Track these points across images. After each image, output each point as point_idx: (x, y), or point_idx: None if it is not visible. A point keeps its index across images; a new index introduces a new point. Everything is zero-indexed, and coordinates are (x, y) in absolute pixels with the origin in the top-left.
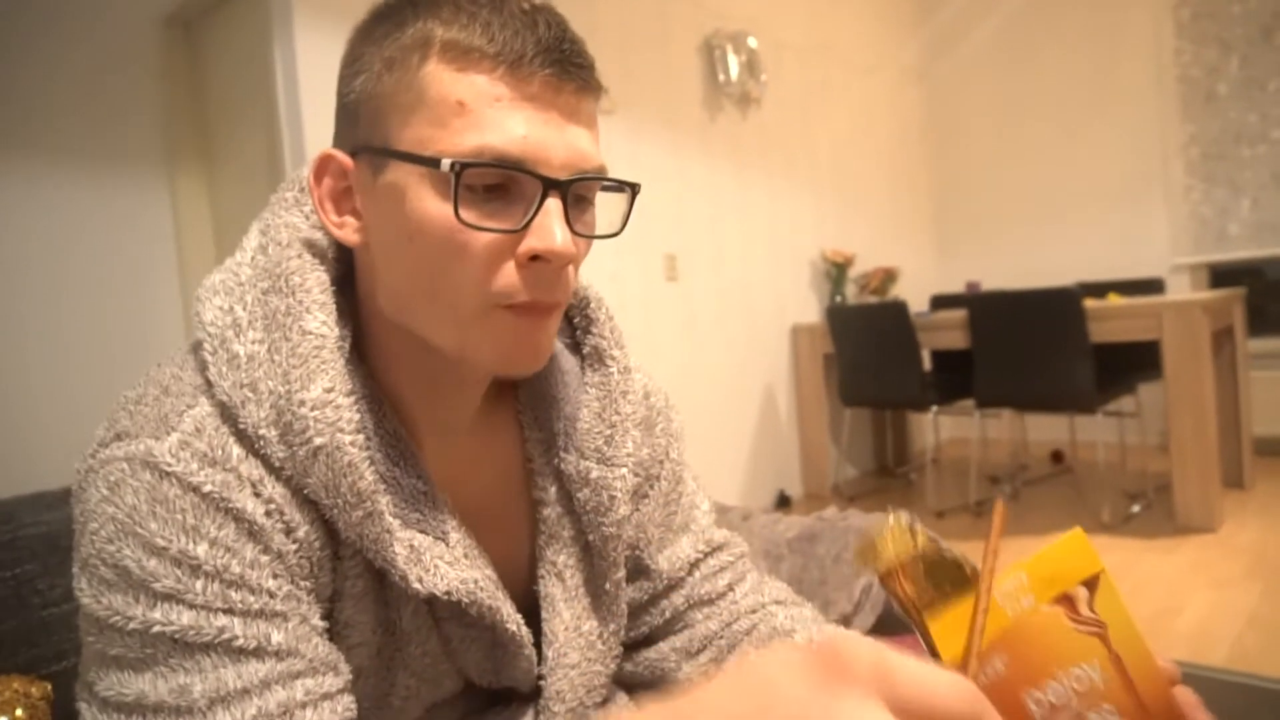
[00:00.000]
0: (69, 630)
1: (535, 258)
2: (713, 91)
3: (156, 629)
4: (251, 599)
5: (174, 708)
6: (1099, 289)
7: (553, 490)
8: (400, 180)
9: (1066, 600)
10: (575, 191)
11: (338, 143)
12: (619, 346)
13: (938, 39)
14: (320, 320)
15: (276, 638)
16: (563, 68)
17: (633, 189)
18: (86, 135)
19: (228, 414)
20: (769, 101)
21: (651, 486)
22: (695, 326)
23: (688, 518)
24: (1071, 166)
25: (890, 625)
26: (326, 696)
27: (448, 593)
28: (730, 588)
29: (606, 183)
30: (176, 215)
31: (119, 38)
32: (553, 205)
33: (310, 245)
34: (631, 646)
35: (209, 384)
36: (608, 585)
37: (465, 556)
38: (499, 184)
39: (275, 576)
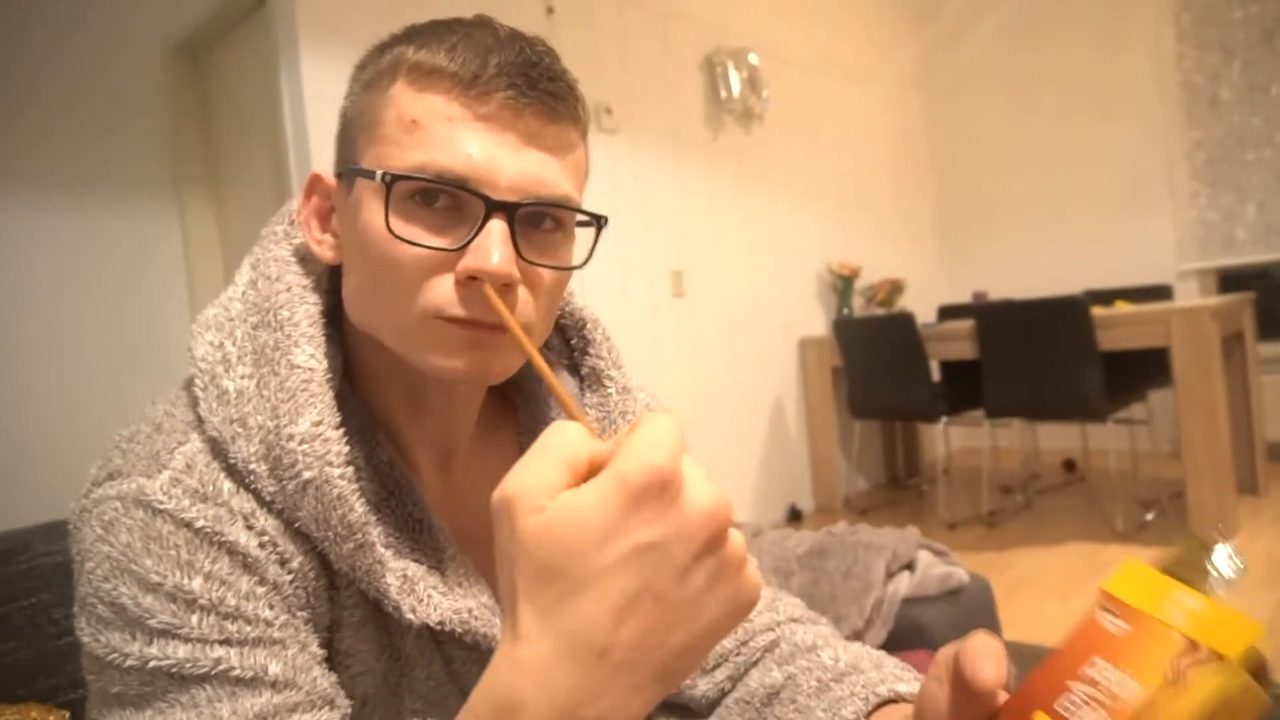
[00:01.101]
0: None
1: (473, 278)
2: (715, 108)
3: (153, 664)
4: (248, 629)
5: None
6: (1106, 296)
7: None
8: (358, 195)
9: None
10: (538, 218)
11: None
12: (617, 367)
13: (937, 48)
14: (308, 353)
15: (274, 668)
16: (524, 90)
17: (599, 222)
18: (95, 163)
19: (218, 449)
20: (771, 117)
21: None
22: (703, 342)
23: None
24: (1075, 174)
25: (903, 640)
26: None
27: (440, 623)
28: None
29: (577, 213)
30: (186, 242)
31: (127, 67)
32: (495, 227)
33: (300, 277)
34: None
35: (200, 420)
36: None
37: (460, 585)
38: (449, 203)
39: (271, 607)
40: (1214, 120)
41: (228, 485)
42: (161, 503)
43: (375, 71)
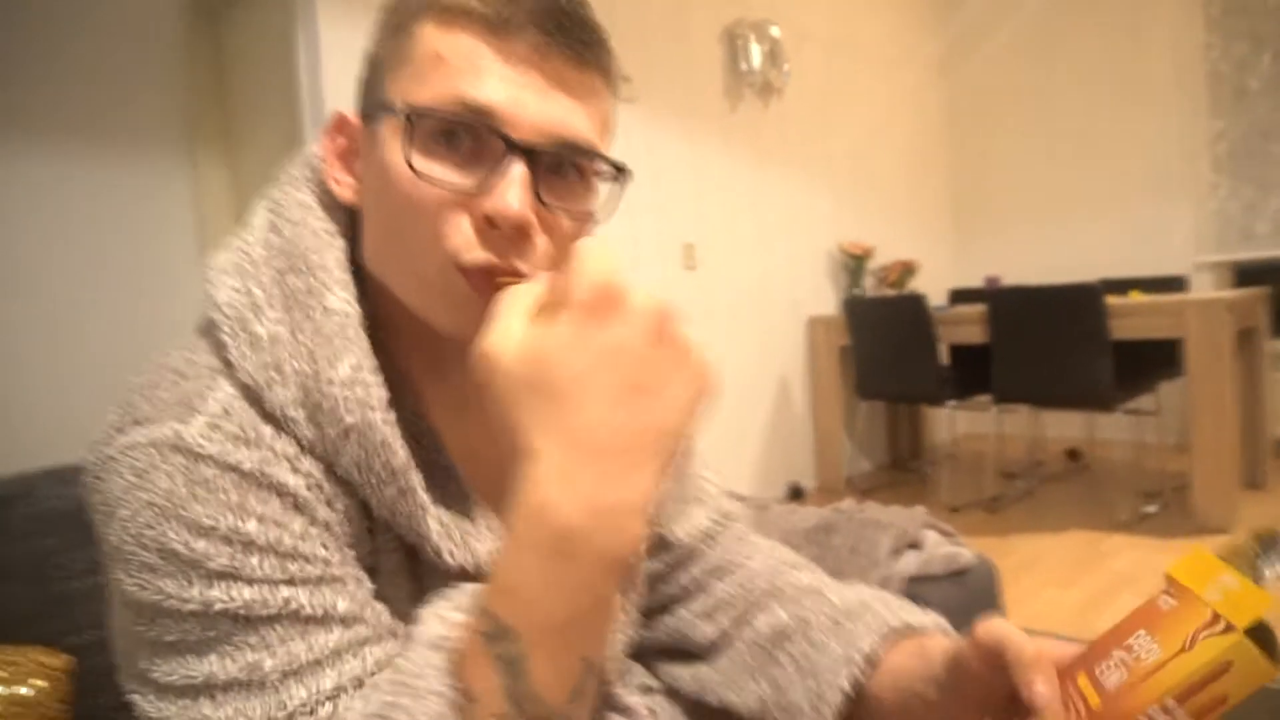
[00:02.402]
0: (89, 603)
1: (487, 219)
2: (734, 80)
3: (219, 607)
4: (310, 568)
5: (246, 684)
6: (1121, 286)
7: None
8: (380, 133)
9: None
10: (560, 164)
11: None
12: None
13: (962, 33)
14: (342, 298)
15: (342, 605)
16: (554, 34)
17: (622, 172)
18: (110, 118)
19: (252, 395)
20: (791, 92)
21: None
22: (712, 316)
23: (698, 490)
24: (1095, 161)
25: None
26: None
27: (478, 567)
28: (747, 556)
29: (599, 160)
30: (198, 197)
31: (143, 21)
32: (516, 170)
33: (324, 222)
34: (649, 613)
35: (228, 365)
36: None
37: (489, 530)
38: (471, 143)
39: (325, 546)
40: (1239, 111)
41: (268, 430)
42: (203, 446)
43: (403, 13)
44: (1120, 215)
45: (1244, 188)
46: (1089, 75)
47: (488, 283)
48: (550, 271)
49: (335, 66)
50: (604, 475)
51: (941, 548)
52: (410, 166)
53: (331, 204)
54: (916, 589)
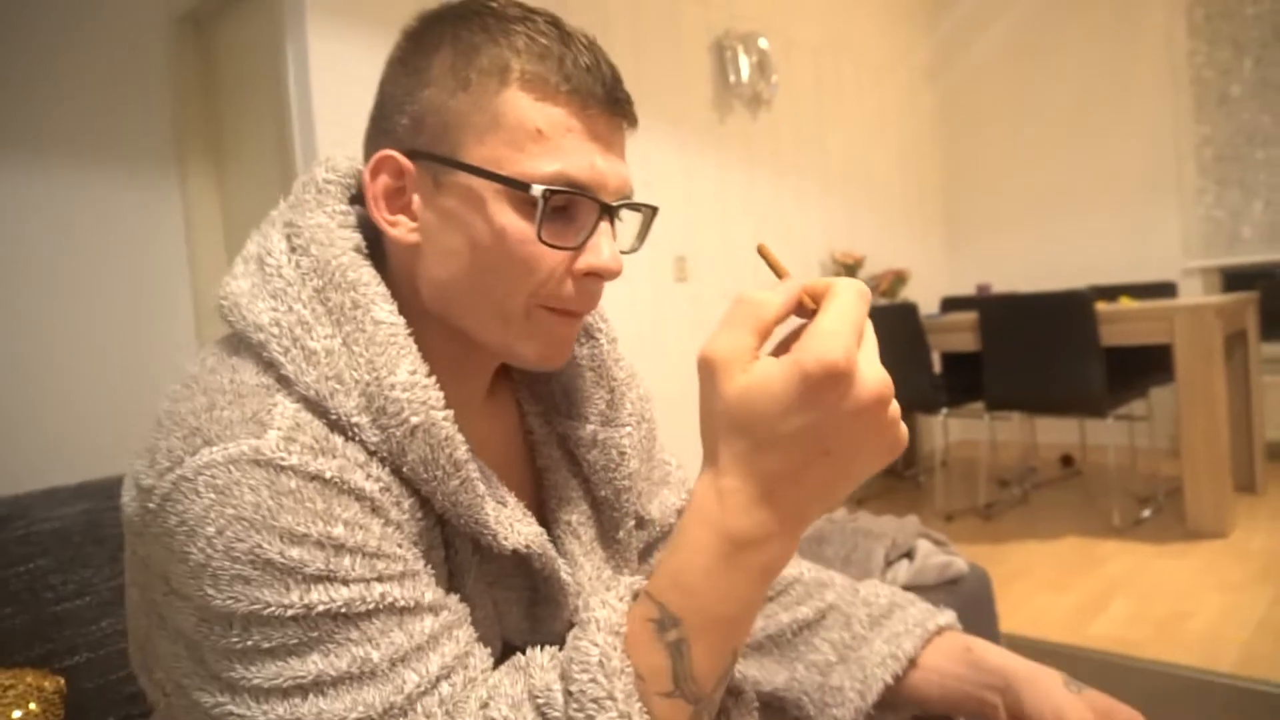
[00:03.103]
0: (81, 625)
1: (589, 273)
2: (723, 92)
3: (320, 609)
4: (394, 565)
5: (358, 676)
6: (1110, 292)
7: (556, 455)
8: (475, 192)
9: None
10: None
11: (384, 142)
12: (604, 320)
13: (950, 39)
14: (387, 309)
15: (428, 595)
16: (618, 108)
17: (655, 211)
18: (97, 132)
19: (315, 407)
20: (780, 102)
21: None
22: (705, 327)
23: (665, 472)
24: (1083, 168)
25: None
26: (476, 643)
27: (528, 546)
28: None
29: (639, 206)
30: (187, 212)
31: (130, 35)
32: (605, 227)
33: (349, 242)
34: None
35: (283, 381)
36: (620, 534)
37: (524, 515)
38: (564, 206)
39: (400, 545)
40: (1223, 117)
41: (339, 439)
42: (284, 459)
43: (475, 71)
44: (1109, 221)
45: (1229, 193)
46: (1077, 82)
47: (570, 315)
48: (792, 284)
49: (324, 81)
50: (776, 509)
51: (934, 557)
52: (540, 239)
53: (348, 224)
54: None
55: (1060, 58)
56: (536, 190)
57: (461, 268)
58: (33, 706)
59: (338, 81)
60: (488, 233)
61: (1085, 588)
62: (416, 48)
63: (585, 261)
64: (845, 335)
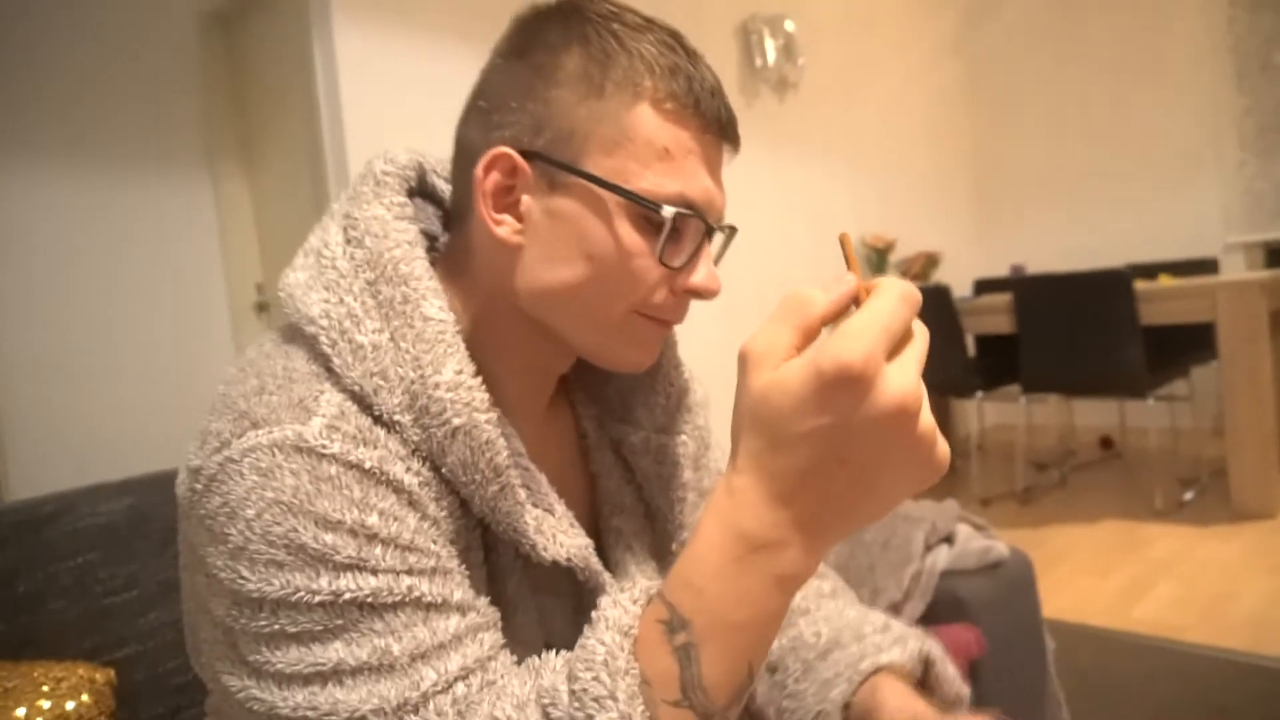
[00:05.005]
0: (130, 618)
1: (689, 291)
2: (750, 76)
3: (347, 596)
4: (426, 560)
5: (376, 668)
6: (1149, 270)
7: (609, 461)
8: (597, 202)
9: None
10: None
11: (496, 137)
12: None
13: (977, 12)
14: (437, 306)
15: (457, 594)
16: (731, 133)
17: (735, 232)
18: (127, 134)
19: (360, 401)
20: (806, 85)
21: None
22: (734, 311)
23: (715, 482)
24: (1119, 142)
25: (942, 613)
26: (501, 648)
27: (569, 559)
28: None
29: (732, 229)
30: (220, 212)
31: (157, 36)
32: (708, 249)
33: (405, 235)
34: None
35: (331, 374)
36: (674, 547)
37: (571, 526)
38: (678, 227)
39: (435, 541)
40: (1266, 86)
41: (382, 432)
42: (325, 446)
43: (609, 82)
44: (1146, 197)
45: (1273, 165)
46: (1110, 54)
47: (664, 323)
48: (847, 282)
49: (352, 78)
50: (789, 513)
51: (975, 541)
52: (662, 261)
53: (405, 215)
54: (950, 583)
55: (1092, 29)
56: (668, 212)
57: (571, 273)
58: (85, 698)
59: (366, 79)
60: (606, 244)
61: (1128, 571)
62: (538, 42)
63: (689, 281)
64: (869, 337)
